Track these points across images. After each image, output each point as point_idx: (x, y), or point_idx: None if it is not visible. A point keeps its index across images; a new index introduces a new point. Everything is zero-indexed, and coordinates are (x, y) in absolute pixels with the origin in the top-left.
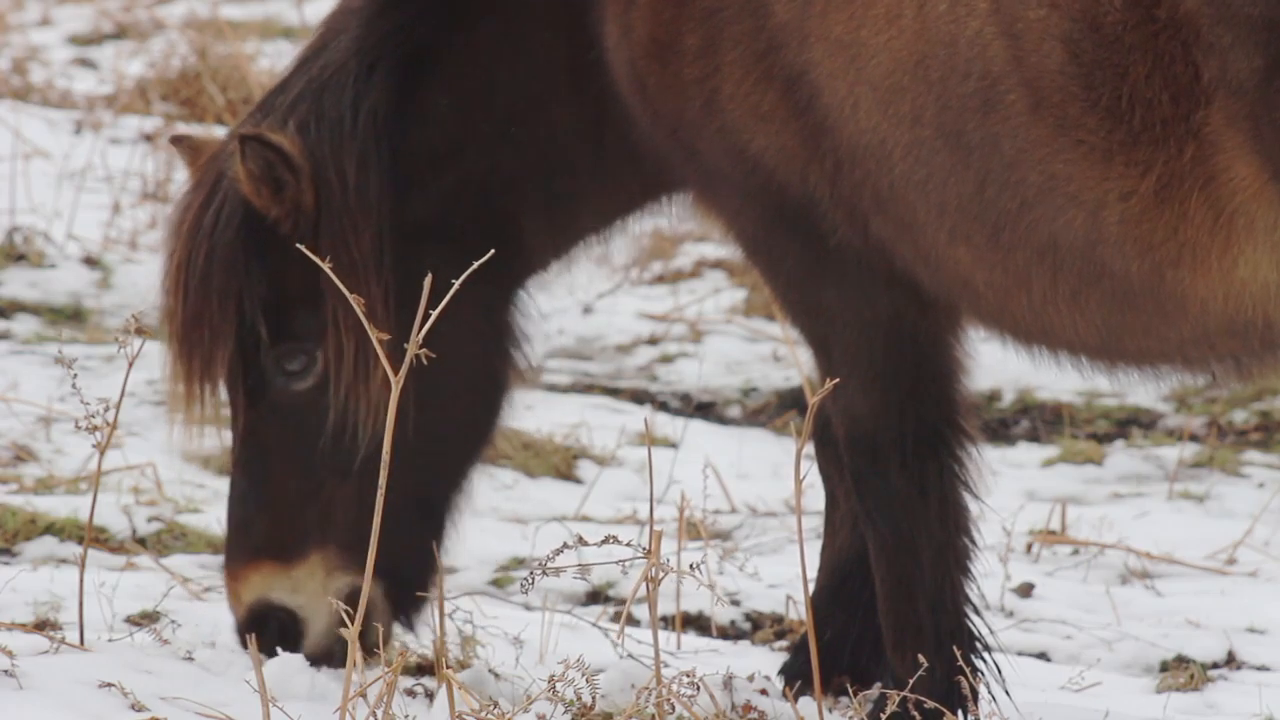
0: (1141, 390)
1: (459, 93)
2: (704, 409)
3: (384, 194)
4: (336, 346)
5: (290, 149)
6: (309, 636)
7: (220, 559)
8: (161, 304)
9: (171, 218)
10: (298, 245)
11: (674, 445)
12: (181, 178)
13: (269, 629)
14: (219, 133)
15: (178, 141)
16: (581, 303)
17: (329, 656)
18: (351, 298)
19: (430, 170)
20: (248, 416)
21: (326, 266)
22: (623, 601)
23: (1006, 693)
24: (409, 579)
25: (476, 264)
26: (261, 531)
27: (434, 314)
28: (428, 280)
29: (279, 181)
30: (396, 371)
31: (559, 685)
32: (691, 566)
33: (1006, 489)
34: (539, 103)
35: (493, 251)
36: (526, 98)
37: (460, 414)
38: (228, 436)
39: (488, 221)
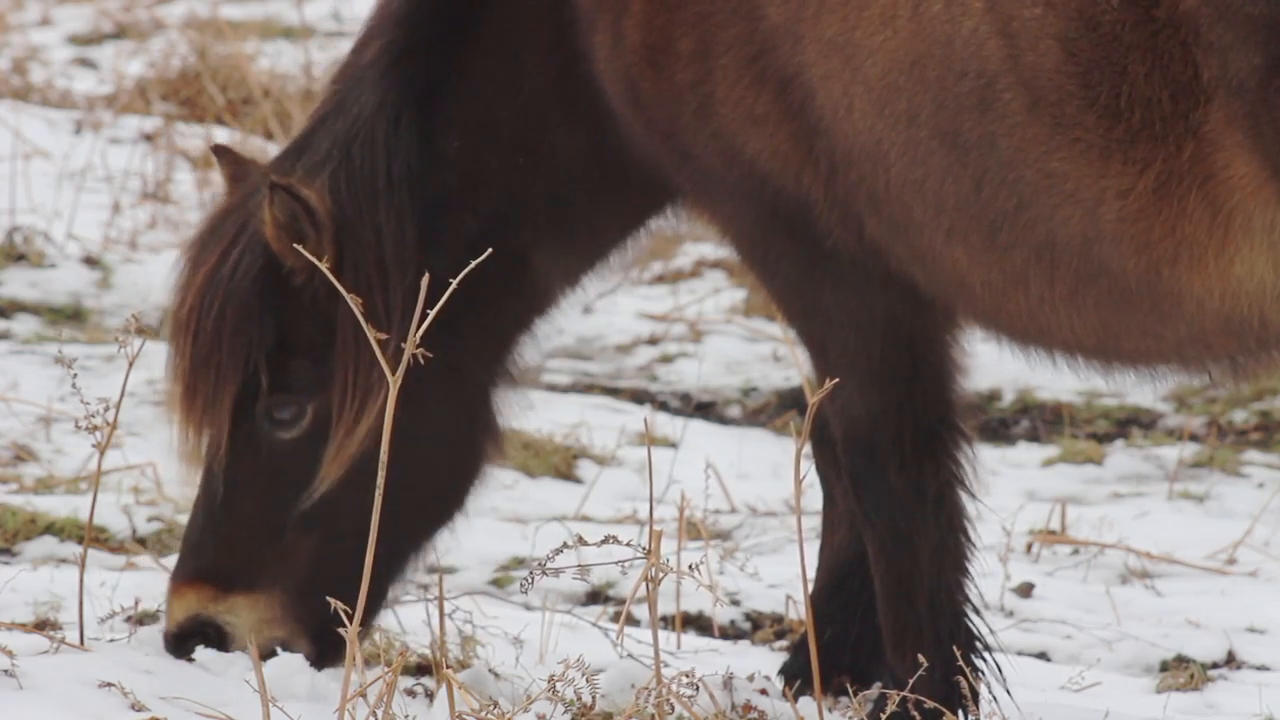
0: (1141, 390)
1: (467, 132)
2: (704, 409)
3: (418, 246)
4: (343, 405)
5: (316, 205)
6: (230, 648)
7: None
8: (171, 341)
9: (191, 252)
10: (327, 273)
11: (674, 445)
12: (182, 177)
13: (190, 647)
14: (218, 133)
15: (221, 153)
16: (581, 303)
17: None
18: (351, 297)
19: (447, 215)
20: (228, 451)
21: (340, 284)
22: (623, 601)
23: (1007, 692)
24: (334, 633)
25: (473, 264)
26: (211, 558)
27: (431, 313)
28: (424, 279)
29: (301, 234)
30: (394, 396)
31: (559, 685)
32: (691, 567)
33: (1006, 489)
34: (539, 127)
35: (488, 254)
36: (527, 124)
37: (427, 488)
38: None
39: (500, 270)
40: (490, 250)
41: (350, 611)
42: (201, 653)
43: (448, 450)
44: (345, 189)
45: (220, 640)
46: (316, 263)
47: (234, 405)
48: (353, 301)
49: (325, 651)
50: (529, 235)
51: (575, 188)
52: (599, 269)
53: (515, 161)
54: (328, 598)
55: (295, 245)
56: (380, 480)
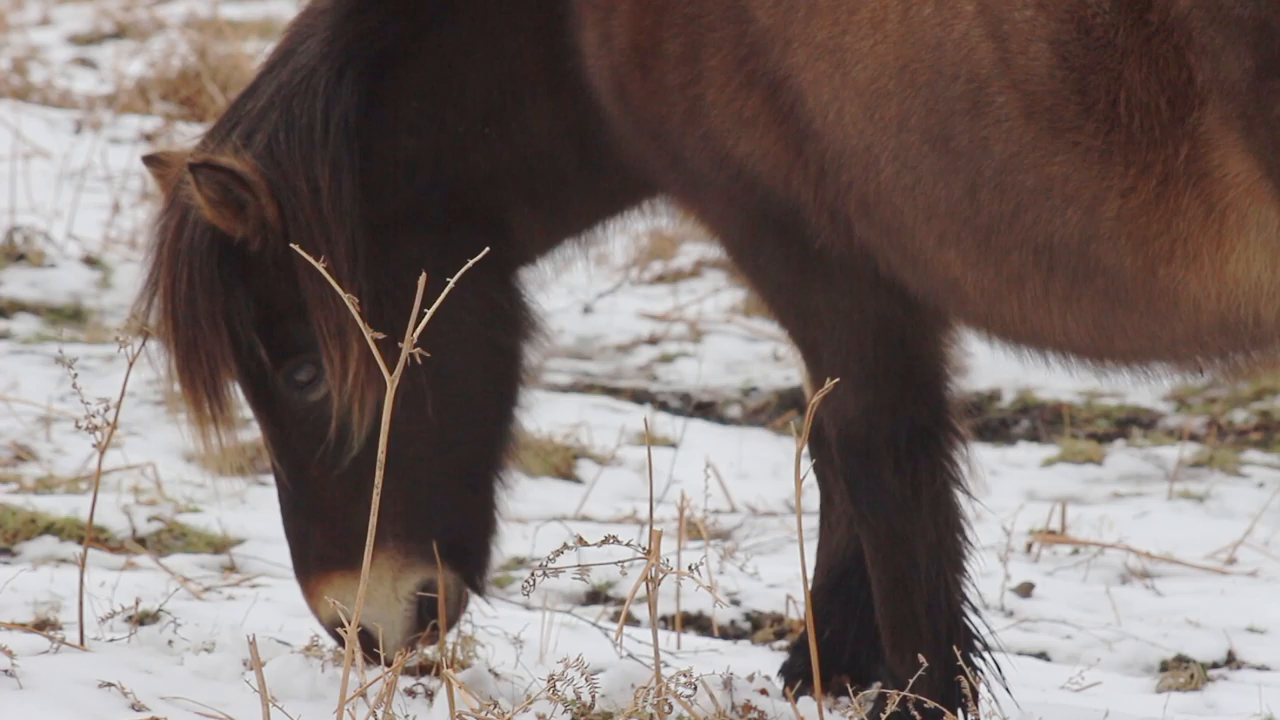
0: (1141, 390)
1: (430, 94)
2: (704, 409)
3: (356, 198)
4: (327, 356)
5: (241, 168)
6: (385, 646)
7: (221, 559)
8: (157, 331)
9: (151, 241)
10: (292, 247)
11: (674, 445)
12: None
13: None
14: None
15: (150, 162)
16: (581, 303)
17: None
18: (346, 297)
19: (403, 171)
20: (274, 432)
21: (321, 265)
22: (623, 601)
23: (1007, 692)
24: (473, 550)
25: (480, 256)
26: (320, 542)
27: (429, 312)
28: (422, 278)
29: (239, 202)
30: (392, 369)
31: (559, 685)
32: (691, 567)
33: (1006, 489)
34: (514, 103)
35: (486, 247)
36: (501, 98)
37: (474, 389)
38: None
39: (468, 207)
40: (476, 219)
41: (348, 612)
42: (201, 652)
43: (473, 350)
44: (284, 140)
45: (368, 639)
46: (307, 257)
47: (245, 381)
48: (309, 256)
49: (470, 562)
50: (497, 196)
51: (552, 165)
52: (570, 247)
53: (482, 130)
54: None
55: (239, 216)
56: (378, 480)
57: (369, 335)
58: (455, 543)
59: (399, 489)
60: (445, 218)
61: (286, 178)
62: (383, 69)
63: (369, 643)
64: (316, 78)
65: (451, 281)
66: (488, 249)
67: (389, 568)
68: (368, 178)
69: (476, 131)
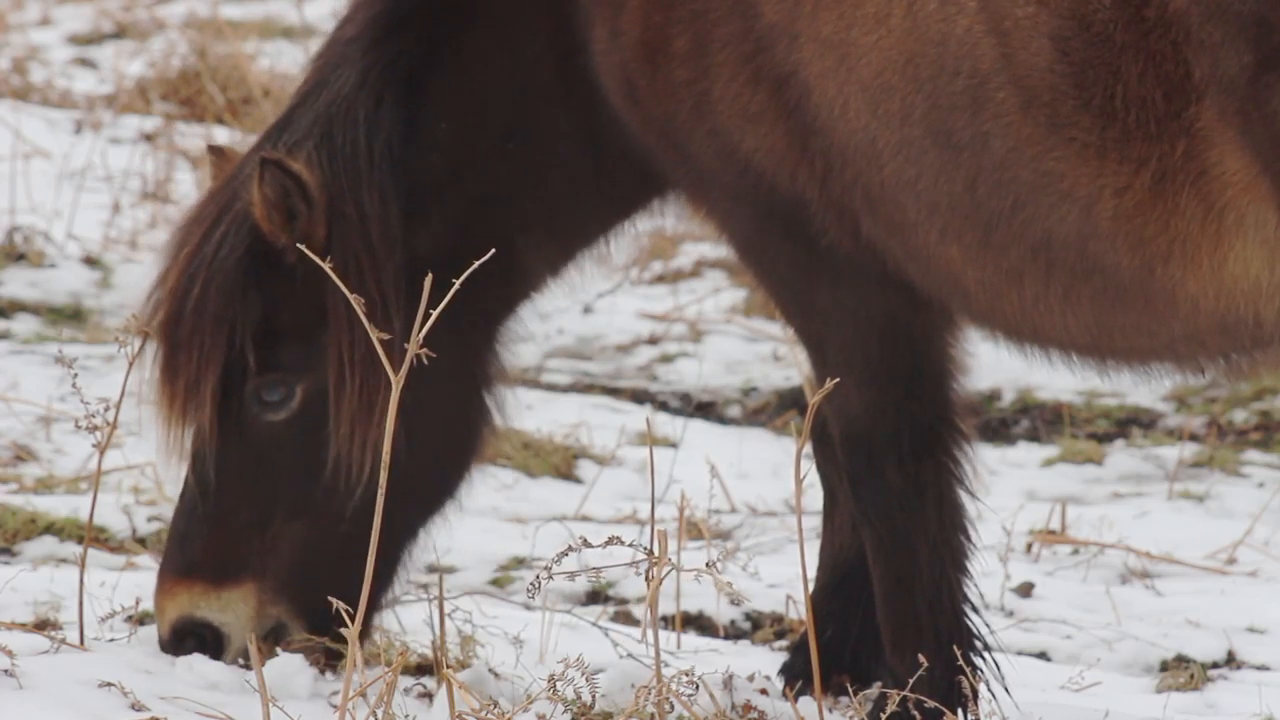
0: (1141, 390)
1: (456, 114)
2: (704, 409)
3: (403, 226)
4: (339, 380)
5: (308, 179)
6: (227, 653)
7: None
8: (153, 324)
9: (173, 239)
10: (323, 267)
11: (674, 445)
12: (182, 177)
13: (187, 647)
14: (218, 133)
15: (215, 152)
16: (581, 303)
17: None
18: (352, 297)
19: (433, 196)
20: (215, 436)
21: (335, 277)
22: (623, 601)
23: (1007, 692)
24: (332, 616)
25: (472, 267)
26: (200, 549)
27: (433, 313)
28: (427, 281)
29: (292, 210)
30: (397, 392)
31: (559, 685)
32: (709, 564)
33: (1006, 489)
34: (532, 113)
35: (485, 255)
36: (520, 110)
37: (422, 469)
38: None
39: (484, 251)
40: (487, 245)
41: (352, 611)
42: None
43: (440, 433)
44: (328, 166)
45: (216, 642)
46: (319, 262)
47: (218, 388)
48: (349, 293)
49: (323, 632)
50: (515, 220)
51: (565, 177)
52: (583, 259)
53: (505, 146)
54: (330, 597)
55: (287, 226)
56: (382, 482)
57: (375, 334)
58: (322, 610)
59: (302, 537)
60: (463, 262)
61: (336, 202)
62: (415, 93)
63: (216, 645)
64: (355, 106)
65: (456, 283)
66: (488, 284)
67: (255, 595)
68: (407, 206)
69: (499, 148)
